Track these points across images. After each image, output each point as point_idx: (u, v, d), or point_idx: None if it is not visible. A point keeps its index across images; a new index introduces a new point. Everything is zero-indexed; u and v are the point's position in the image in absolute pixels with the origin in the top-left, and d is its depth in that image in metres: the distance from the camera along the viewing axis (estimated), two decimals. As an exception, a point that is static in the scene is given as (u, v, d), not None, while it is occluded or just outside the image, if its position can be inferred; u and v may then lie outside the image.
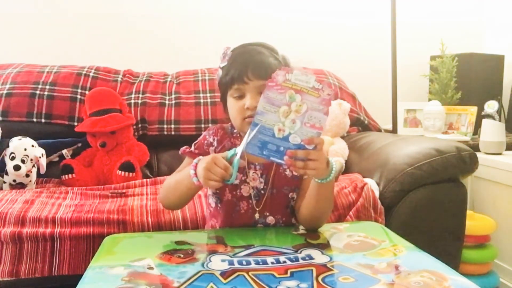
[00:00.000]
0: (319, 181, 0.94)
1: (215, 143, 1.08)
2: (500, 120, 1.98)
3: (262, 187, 1.05)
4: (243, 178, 1.04)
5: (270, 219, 1.06)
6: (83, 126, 1.68)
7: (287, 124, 0.87)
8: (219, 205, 1.07)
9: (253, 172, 1.05)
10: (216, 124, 1.78)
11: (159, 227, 1.21)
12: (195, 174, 0.93)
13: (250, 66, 1.00)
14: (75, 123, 1.78)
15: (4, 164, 1.50)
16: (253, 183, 1.04)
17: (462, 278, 0.78)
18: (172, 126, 1.85)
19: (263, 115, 0.86)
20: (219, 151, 1.07)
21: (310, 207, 1.01)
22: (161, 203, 1.12)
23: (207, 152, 1.07)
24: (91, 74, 1.88)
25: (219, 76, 1.06)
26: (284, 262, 0.83)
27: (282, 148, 0.88)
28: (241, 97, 1.01)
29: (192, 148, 1.09)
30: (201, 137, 1.10)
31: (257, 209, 1.04)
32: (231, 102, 1.04)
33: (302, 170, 0.90)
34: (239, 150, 0.89)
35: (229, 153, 0.91)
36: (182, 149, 1.10)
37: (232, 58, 1.03)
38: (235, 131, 1.10)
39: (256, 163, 1.05)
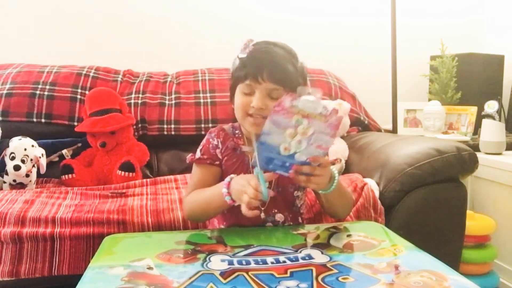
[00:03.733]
0: (321, 192, 1.00)
1: (220, 145, 1.08)
2: (500, 120, 1.98)
3: (267, 186, 1.04)
4: None
5: (279, 217, 1.06)
6: (83, 126, 1.68)
7: (293, 144, 0.88)
8: None
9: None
10: (216, 124, 1.80)
11: (159, 227, 1.21)
12: (228, 193, 0.95)
13: (266, 68, 1.00)
14: (75, 123, 1.78)
15: (4, 164, 1.50)
16: None
17: (462, 278, 0.78)
18: (172, 126, 1.84)
19: (269, 135, 0.88)
20: (224, 151, 1.07)
21: (329, 207, 1.09)
22: (186, 217, 1.14)
23: (214, 155, 1.07)
24: (91, 74, 1.88)
25: (235, 66, 1.06)
26: (284, 262, 0.83)
27: (287, 164, 0.90)
28: (250, 93, 1.02)
29: (199, 155, 1.08)
30: (204, 141, 1.10)
31: (262, 209, 1.04)
32: (239, 95, 1.04)
33: (304, 183, 0.94)
34: (256, 167, 0.90)
35: (255, 173, 0.92)
36: (189, 157, 1.10)
37: (252, 53, 1.03)
38: (236, 131, 1.10)
39: None
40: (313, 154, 0.90)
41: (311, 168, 0.91)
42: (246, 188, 0.91)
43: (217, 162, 1.07)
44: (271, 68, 1.00)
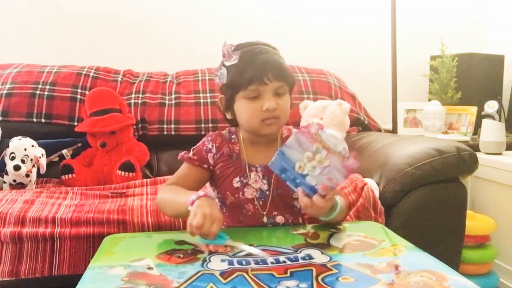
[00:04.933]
0: (321, 218, 1.00)
1: (213, 150, 1.08)
2: (500, 120, 1.98)
3: (266, 188, 1.05)
4: (244, 181, 1.05)
5: (280, 219, 1.06)
6: (83, 126, 1.68)
7: (308, 166, 0.91)
8: (224, 208, 1.08)
9: (255, 174, 1.05)
10: (216, 124, 1.81)
11: (159, 227, 1.21)
12: (192, 202, 0.91)
13: (270, 67, 0.99)
14: (75, 123, 1.78)
15: (4, 164, 1.50)
16: (256, 185, 1.05)
17: (462, 278, 0.78)
18: (172, 126, 1.84)
19: (289, 149, 0.91)
20: (218, 157, 1.07)
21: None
22: (157, 206, 1.13)
23: (205, 158, 1.08)
24: (91, 74, 1.88)
25: (225, 75, 1.04)
26: (284, 262, 0.83)
27: (298, 180, 0.93)
28: (256, 98, 1.00)
29: (191, 154, 1.09)
30: (200, 143, 1.10)
31: (264, 213, 1.05)
32: (244, 103, 1.02)
33: (303, 206, 0.94)
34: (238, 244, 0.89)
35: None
36: (180, 154, 1.10)
37: (244, 58, 1.01)
38: (232, 136, 1.10)
39: (257, 165, 1.05)
40: (323, 183, 0.92)
41: (319, 201, 0.91)
42: (197, 219, 0.85)
43: (205, 166, 1.07)
44: (273, 66, 1.00)
